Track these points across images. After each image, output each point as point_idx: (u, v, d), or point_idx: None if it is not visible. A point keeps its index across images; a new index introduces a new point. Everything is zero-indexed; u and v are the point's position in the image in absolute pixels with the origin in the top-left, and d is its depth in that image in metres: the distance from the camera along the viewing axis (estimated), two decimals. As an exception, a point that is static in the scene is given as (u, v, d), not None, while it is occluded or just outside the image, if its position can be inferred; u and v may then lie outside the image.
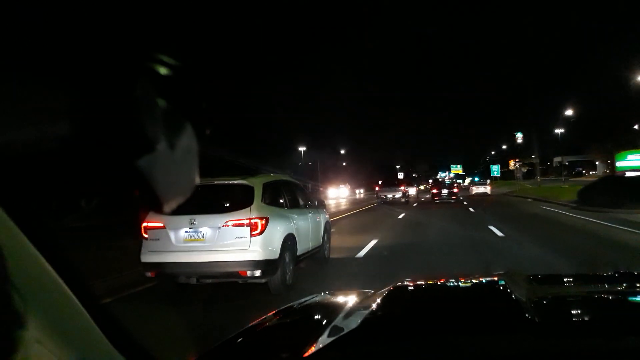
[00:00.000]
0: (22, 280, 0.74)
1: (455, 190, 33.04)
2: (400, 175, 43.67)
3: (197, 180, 0.90)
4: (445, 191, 32.10)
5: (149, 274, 6.01)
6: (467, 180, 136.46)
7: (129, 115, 0.74)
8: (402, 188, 32.56)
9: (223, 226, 5.79)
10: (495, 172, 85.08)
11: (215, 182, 6.37)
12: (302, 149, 58.65)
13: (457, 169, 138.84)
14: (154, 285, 6.52)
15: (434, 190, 33.41)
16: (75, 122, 0.71)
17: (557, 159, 76.93)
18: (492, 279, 2.08)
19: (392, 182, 34.55)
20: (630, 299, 1.63)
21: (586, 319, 1.40)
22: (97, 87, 0.73)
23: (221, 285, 6.26)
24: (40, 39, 0.72)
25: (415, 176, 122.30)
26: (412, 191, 43.01)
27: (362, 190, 63.29)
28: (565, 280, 2.14)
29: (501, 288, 1.84)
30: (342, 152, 69.95)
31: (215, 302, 6.07)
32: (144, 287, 6.64)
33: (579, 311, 1.49)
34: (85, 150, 0.73)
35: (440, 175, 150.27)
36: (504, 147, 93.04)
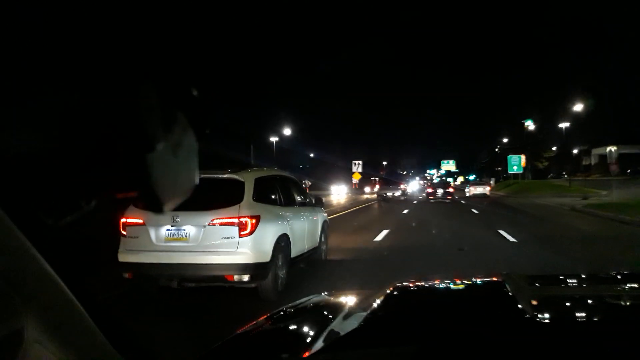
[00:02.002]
0: (22, 280, 0.76)
1: (450, 190, 34.40)
2: (357, 168, 37.71)
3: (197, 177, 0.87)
4: (440, 191, 33.20)
5: (126, 275, 5.56)
6: (460, 179, 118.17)
7: (129, 113, 0.73)
8: (402, 186, 38.09)
9: (209, 225, 5.42)
10: (516, 167, 56.13)
11: (202, 176, 5.78)
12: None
13: (448, 165, 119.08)
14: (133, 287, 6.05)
15: (429, 190, 35.05)
16: (74, 121, 0.71)
17: (595, 151, 54.77)
18: (492, 279, 2.12)
19: (387, 182, 38.64)
20: (630, 299, 1.64)
21: (586, 319, 1.41)
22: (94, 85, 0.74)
23: (208, 288, 5.77)
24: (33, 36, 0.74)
25: (402, 173, 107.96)
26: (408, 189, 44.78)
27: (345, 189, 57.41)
28: (565, 280, 2.17)
29: (501, 288, 1.86)
30: (288, 133, 52.09)
31: (201, 305, 5.71)
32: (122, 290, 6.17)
33: (579, 311, 1.53)
34: (84, 150, 0.73)
35: (429, 172, 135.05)
36: (531, 127, 65.63)
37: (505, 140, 74.67)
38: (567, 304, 1.60)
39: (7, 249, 0.74)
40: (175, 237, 5.40)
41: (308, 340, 1.23)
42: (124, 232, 5.58)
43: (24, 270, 0.77)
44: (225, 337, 1.41)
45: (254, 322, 1.57)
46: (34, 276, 0.78)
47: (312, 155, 69.94)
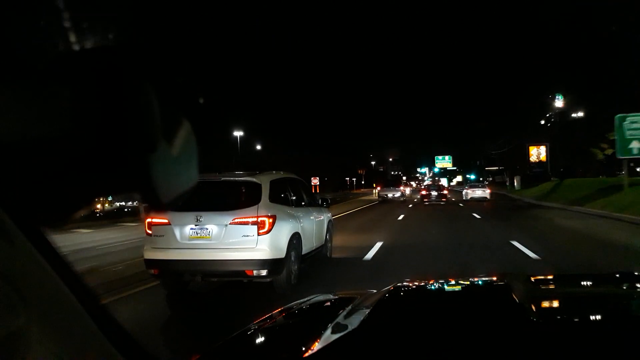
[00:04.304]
0: (22, 280, 0.74)
1: (445, 192, 32.92)
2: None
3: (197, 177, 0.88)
4: (434, 193, 31.76)
5: (151, 272, 5.86)
6: (458, 179, 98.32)
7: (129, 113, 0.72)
8: (401, 188, 38.12)
9: (230, 224, 5.64)
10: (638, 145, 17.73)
11: (222, 179, 6.26)
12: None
13: (444, 162, 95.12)
14: (153, 284, 6.37)
15: (423, 192, 33.69)
16: (78, 119, 0.69)
17: None
18: (492, 279, 2.07)
19: (391, 183, 39.80)
20: (630, 299, 1.62)
21: (586, 319, 1.39)
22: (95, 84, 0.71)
23: (224, 283, 6.16)
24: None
25: (394, 173, 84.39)
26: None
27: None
28: (565, 280, 2.12)
29: (501, 288, 1.83)
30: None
31: (216, 300, 5.95)
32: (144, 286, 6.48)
33: (579, 311, 1.49)
34: (86, 148, 0.71)
35: (420, 171, 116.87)
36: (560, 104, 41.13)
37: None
38: (568, 304, 1.57)
39: (7, 249, 0.72)
40: (198, 235, 5.64)
41: (308, 340, 1.20)
42: (150, 231, 5.76)
43: (24, 270, 0.75)
44: (230, 333, 1.40)
45: (256, 321, 1.55)
46: (34, 276, 0.77)
47: (258, 148, 55.80)
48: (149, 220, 5.85)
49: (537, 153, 48.96)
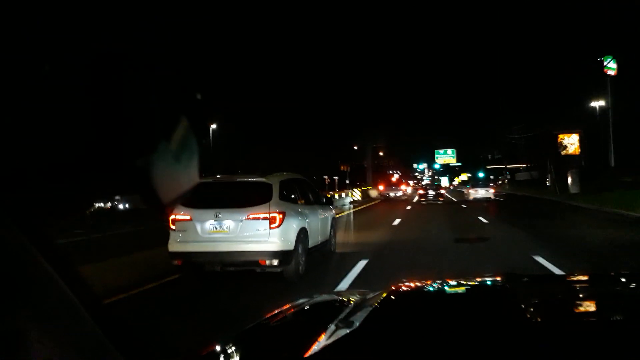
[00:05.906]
0: (22, 280, 0.74)
1: (442, 192, 33.71)
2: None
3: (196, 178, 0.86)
4: (432, 193, 32.23)
5: (175, 263, 6.40)
6: (462, 177, 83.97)
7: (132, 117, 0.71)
8: (402, 188, 42.08)
9: (245, 219, 6.20)
10: None
11: (237, 180, 7.01)
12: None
13: (445, 157, 79.48)
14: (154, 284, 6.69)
15: (420, 192, 34.35)
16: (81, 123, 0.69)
17: None
18: (492, 279, 2.08)
19: (394, 183, 42.65)
20: (630, 299, 1.59)
21: (586, 319, 1.36)
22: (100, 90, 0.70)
23: (230, 278, 6.53)
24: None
25: (387, 171, 71.59)
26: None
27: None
28: (565, 280, 2.10)
29: (501, 288, 1.82)
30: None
31: (218, 297, 6.15)
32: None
33: (579, 311, 1.48)
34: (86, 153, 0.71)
35: (418, 168, 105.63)
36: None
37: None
38: (569, 304, 1.54)
39: (7, 249, 0.72)
40: (217, 229, 6.22)
41: (310, 339, 1.19)
42: (173, 227, 6.29)
43: (24, 270, 0.74)
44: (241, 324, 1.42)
45: (257, 320, 1.55)
46: (34, 276, 0.76)
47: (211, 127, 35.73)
48: (172, 216, 6.48)
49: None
